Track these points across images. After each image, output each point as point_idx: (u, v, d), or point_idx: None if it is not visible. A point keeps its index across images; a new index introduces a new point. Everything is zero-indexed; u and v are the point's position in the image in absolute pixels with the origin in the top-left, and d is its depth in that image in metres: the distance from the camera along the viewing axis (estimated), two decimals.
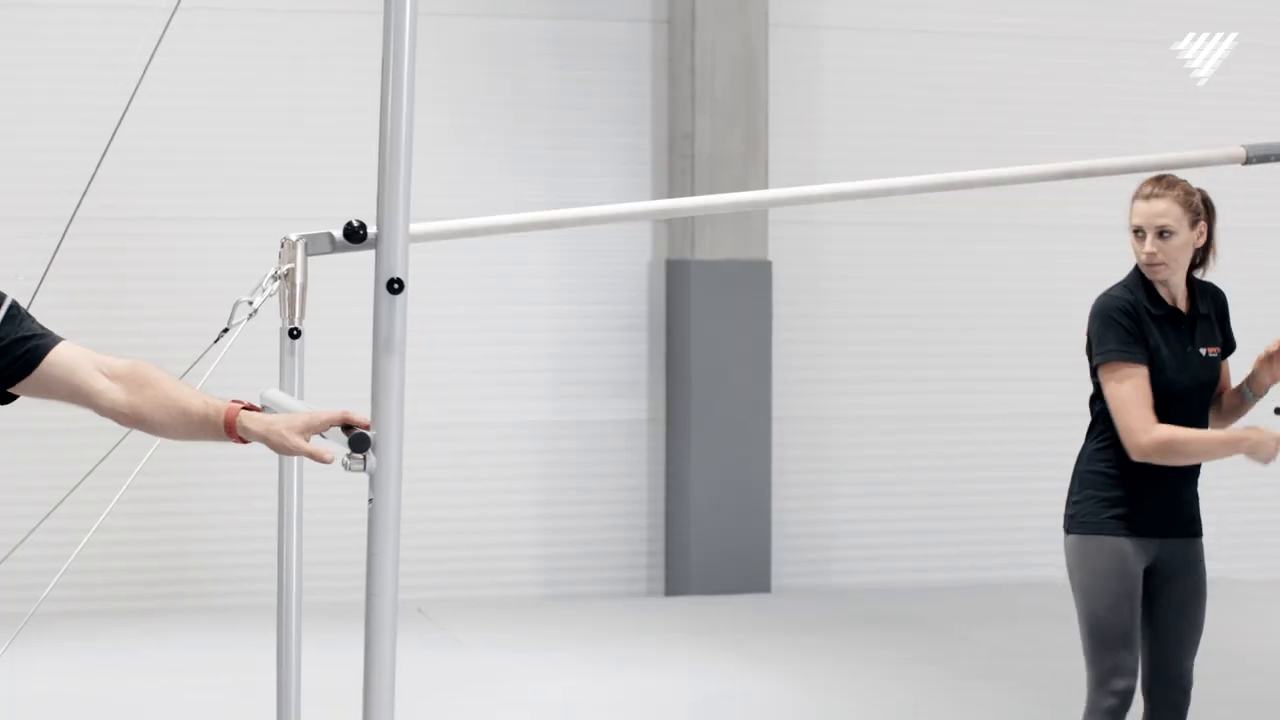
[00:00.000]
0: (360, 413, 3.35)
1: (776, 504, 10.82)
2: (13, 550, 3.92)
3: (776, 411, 10.83)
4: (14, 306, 3.45)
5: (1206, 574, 5.72)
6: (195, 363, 3.86)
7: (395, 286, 3.24)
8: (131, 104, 3.34)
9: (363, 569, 3.33)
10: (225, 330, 3.77)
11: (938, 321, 11.23)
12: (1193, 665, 5.66)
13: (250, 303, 3.75)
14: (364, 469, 3.31)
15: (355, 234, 3.52)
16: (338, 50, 10.21)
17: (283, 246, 3.83)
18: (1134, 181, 11.61)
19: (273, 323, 3.82)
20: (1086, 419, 11.80)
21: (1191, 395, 5.41)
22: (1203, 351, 5.38)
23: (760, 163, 10.67)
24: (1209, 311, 5.44)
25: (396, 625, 3.38)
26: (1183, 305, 5.41)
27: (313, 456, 3.30)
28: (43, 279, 3.51)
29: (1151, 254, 5.28)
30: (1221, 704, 8.06)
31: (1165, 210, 5.26)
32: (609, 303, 10.82)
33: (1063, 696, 8.22)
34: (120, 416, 3.49)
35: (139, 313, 9.76)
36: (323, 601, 9.01)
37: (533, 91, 10.63)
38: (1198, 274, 5.49)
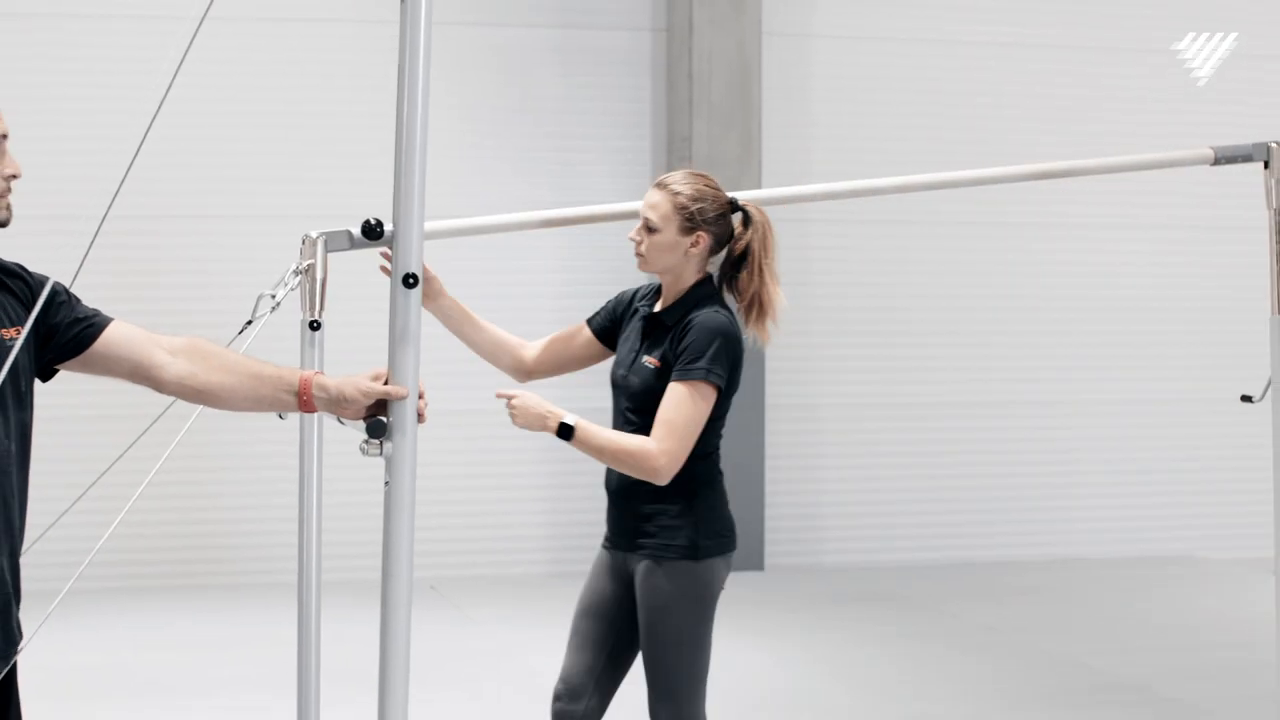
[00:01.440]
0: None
1: (769, 487, 10.83)
2: (46, 531, 3.92)
3: (768, 399, 10.84)
4: (65, 292, 3.48)
5: (668, 604, 4.60)
6: (229, 344, 3.85)
7: (410, 281, 3.24)
8: (159, 110, 3.35)
9: (379, 549, 3.34)
10: (249, 322, 3.76)
11: (921, 315, 11.24)
12: (670, 716, 4.58)
13: (273, 296, 3.75)
14: (381, 454, 3.32)
15: (372, 231, 3.52)
16: (351, 60, 10.21)
17: (303, 243, 3.82)
18: (1106, 181, 11.62)
19: (294, 315, 3.82)
20: (1059, 408, 11.82)
21: (619, 392, 4.82)
22: (644, 358, 4.72)
23: (754, 164, 10.67)
24: (675, 326, 4.67)
25: (411, 601, 3.38)
26: (660, 307, 4.79)
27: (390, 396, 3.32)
28: (77, 274, 3.52)
29: (633, 239, 4.71)
30: (1186, 676, 8.08)
31: (655, 204, 4.61)
32: (610, 295, 10.79)
33: (1040, 668, 8.24)
34: (184, 388, 3.47)
35: (171, 305, 9.76)
36: (341, 579, 9.02)
37: (539, 97, 10.62)
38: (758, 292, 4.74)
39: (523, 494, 10.65)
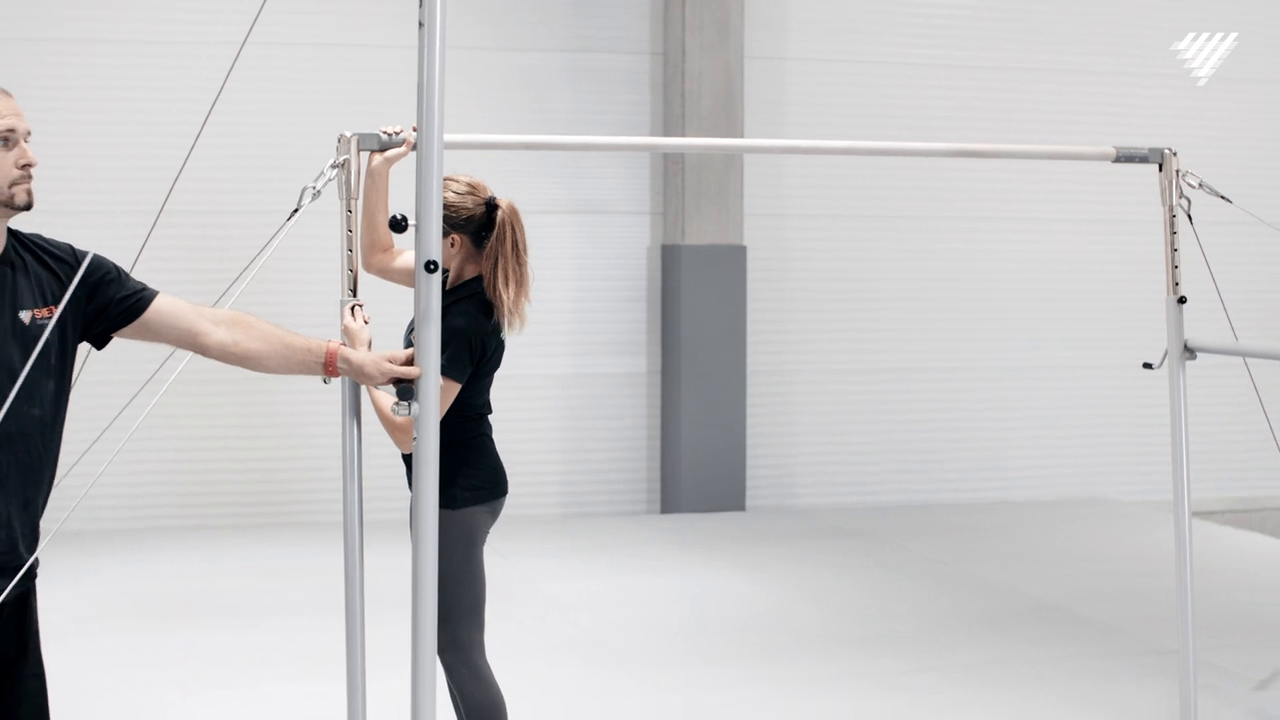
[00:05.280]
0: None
1: (750, 440, 10.83)
2: (66, 473, 3.83)
3: (750, 366, 10.84)
4: (114, 269, 3.46)
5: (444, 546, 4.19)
6: (273, 238, 3.73)
7: (431, 267, 3.25)
8: (200, 122, 3.35)
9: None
10: (296, 210, 3.73)
11: (879, 294, 11.23)
12: (445, 646, 4.45)
13: (314, 187, 3.72)
14: (409, 413, 3.32)
15: (398, 225, 3.53)
16: (384, 78, 10.18)
17: (339, 141, 3.78)
18: (1038, 182, 11.52)
19: (335, 203, 3.78)
20: (996, 372, 11.72)
21: None
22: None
23: (737, 169, 10.65)
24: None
25: (437, 537, 3.40)
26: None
27: (404, 377, 3.33)
28: (139, 255, 3.51)
29: None
30: (1099, 599, 8.10)
31: None
32: (616, 279, 10.81)
33: (979, 593, 8.25)
34: (226, 353, 3.47)
35: (221, 286, 9.74)
36: (379, 519, 9.02)
37: (553, 110, 10.60)
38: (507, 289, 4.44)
39: (540, 446, 10.65)
